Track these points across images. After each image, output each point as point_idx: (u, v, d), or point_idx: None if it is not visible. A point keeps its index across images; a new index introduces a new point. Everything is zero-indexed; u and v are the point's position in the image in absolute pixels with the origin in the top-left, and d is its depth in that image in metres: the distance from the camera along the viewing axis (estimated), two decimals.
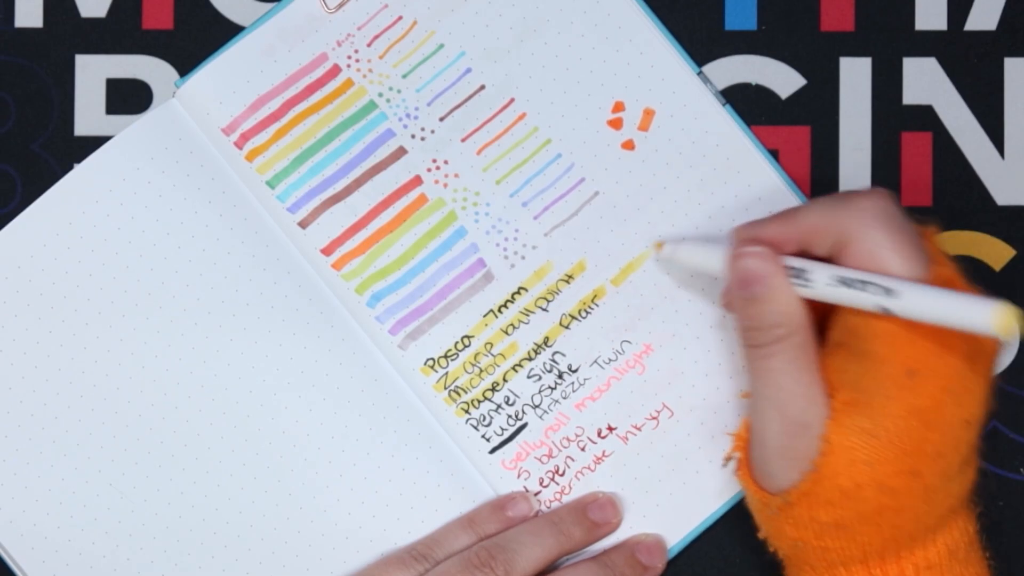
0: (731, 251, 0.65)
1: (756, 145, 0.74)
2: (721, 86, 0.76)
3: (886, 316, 0.60)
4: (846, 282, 0.61)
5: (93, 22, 0.77)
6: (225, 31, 0.76)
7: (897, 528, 0.63)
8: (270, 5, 0.76)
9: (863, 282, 0.60)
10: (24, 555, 0.73)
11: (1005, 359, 0.75)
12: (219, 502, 0.74)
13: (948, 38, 0.76)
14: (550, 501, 0.73)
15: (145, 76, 0.77)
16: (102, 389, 0.74)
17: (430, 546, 0.72)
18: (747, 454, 0.67)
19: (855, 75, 0.76)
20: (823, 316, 0.66)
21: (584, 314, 0.74)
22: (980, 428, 0.63)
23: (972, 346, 0.61)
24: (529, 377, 0.74)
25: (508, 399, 0.74)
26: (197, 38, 0.76)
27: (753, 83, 0.76)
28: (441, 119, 0.75)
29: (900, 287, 0.59)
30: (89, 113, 0.77)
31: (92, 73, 0.77)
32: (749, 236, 0.66)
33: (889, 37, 0.76)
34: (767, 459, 0.65)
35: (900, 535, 0.63)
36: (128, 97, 0.76)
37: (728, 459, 0.72)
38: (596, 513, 0.73)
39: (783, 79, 0.76)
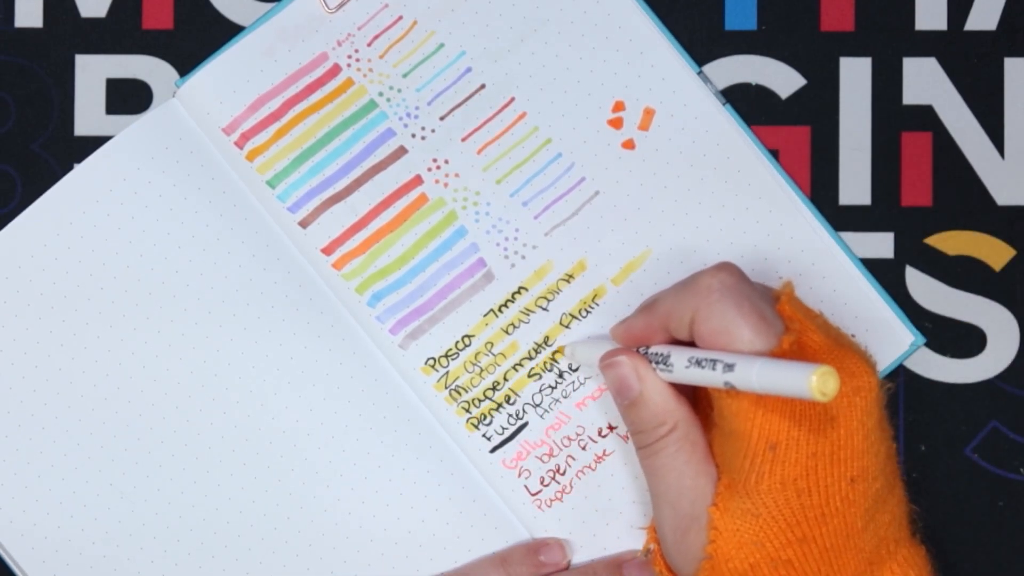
0: (601, 360, 0.67)
1: (756, 144, 0.74)
2: (721, 86, 0.76)
3: (745, 393, 0.60)
4: (698, 362, 0.62)
5: (93, 22, 0.77)
6: (225, 31, 0.76)
7: None
8: (270, 5, 0.76)
9: (710, 360, 0.61)
10: (24, 555, 0.73)
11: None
12: (219, 502, 0.74)
13: (948, 38, 0.76)
14: (551, 500, 0.73)
15: (145, 76, 0.77)
16: (102, 389, 0.74)
17: None
18: (659, 546, 0.68)
19: (855, 75, 0.76)
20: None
21: (585, 313, 0.74)
22: (876, 480, 0.63)
23: (839, 408, 0.62)
24: (530, 376, 0.74)
25: (509, 398, 0.74)
26: (197, 38, 0.76)
27: (753, 83, 0.76)
28: (441, 118, 0.75)
29: (738, 361, 0.60)
30: (89, 113, 0.77)
31: (92, 73, 0.77)
32: (619, 335, 0.68)
33: (889, 37, 0.76)
34: (667, 553, 0.66)
35: None
36: (128, 97, 0.76)
37: (646, 551, 0.71)
38: (632, 573, 0.73)
39: (783, 79, 0.76)
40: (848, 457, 0.61)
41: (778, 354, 0.60)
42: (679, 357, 0.63)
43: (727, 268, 0.64)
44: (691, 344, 0.64)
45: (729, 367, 0.60)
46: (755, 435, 0.61)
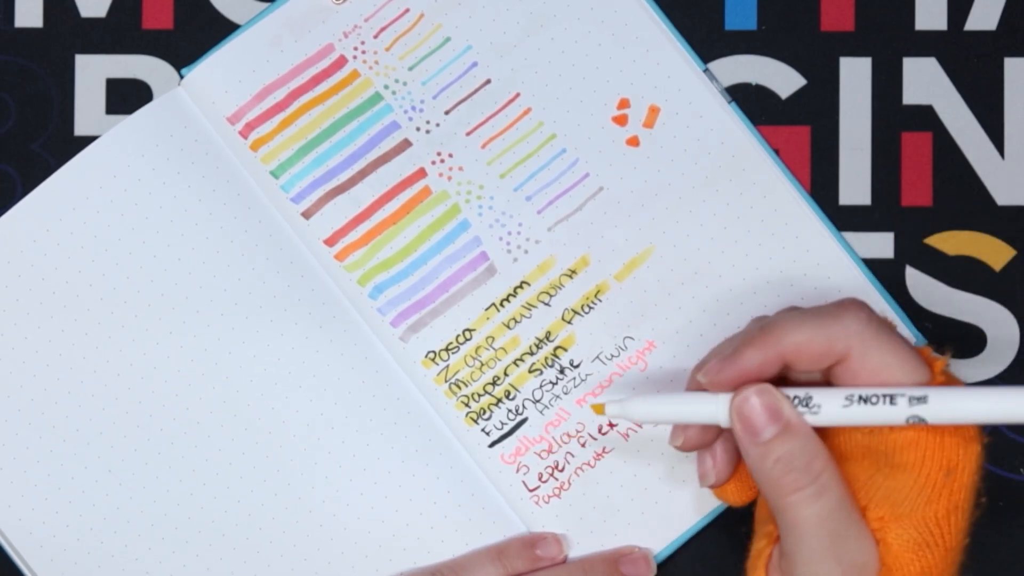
0: (733, 400, 0.61)
1: (761, 143, 0.75)
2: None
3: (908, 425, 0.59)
4: (864, 400, 0.59)
5: (93, 22, 0.77)
6: (225, 31, 0.76)
7: None
8: (270, 5, 0.76)
9: (887, 396, 0.58)
10: (32, 553, 0.73)
11: None
12: (228, 504, 0.73)
13: (948, 38, 0.76)
14: (549, 496, 0.73)
15: (145, 76, 0.77)
16: (103, 376, 0.73)
17: (455, 570, 0.72)
18: None
19: (855, 75, 0.76)
20: None
21: (587, 309, 0.74)
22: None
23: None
24: (530, 372, 0.74)
25: (508, 393, 0.74)
26: (197, 38, 0.77)
27: (753, 83, 0.76)
28: (447, 112, 0.75)
29: (927, 393, 0.58)
30: (89, 113, 0.77)
31: (92, 73, 0.77)
32: (729, 376, 0.61)
33: (889, 37, 0.76)
34: None
35: None
36: (128, 97, 0.76)
37: None
38: (628, 568, 0.72)
39: (783, 79, 0.76)
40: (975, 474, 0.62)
41: (935, 385, 0.60)
42: (829, 396, 0.60)
43: (864, 303, 0.61)
44: (804, 384, 0.62)
45: (919, 400, 0.58)
46: (930, 464, 0.60)
